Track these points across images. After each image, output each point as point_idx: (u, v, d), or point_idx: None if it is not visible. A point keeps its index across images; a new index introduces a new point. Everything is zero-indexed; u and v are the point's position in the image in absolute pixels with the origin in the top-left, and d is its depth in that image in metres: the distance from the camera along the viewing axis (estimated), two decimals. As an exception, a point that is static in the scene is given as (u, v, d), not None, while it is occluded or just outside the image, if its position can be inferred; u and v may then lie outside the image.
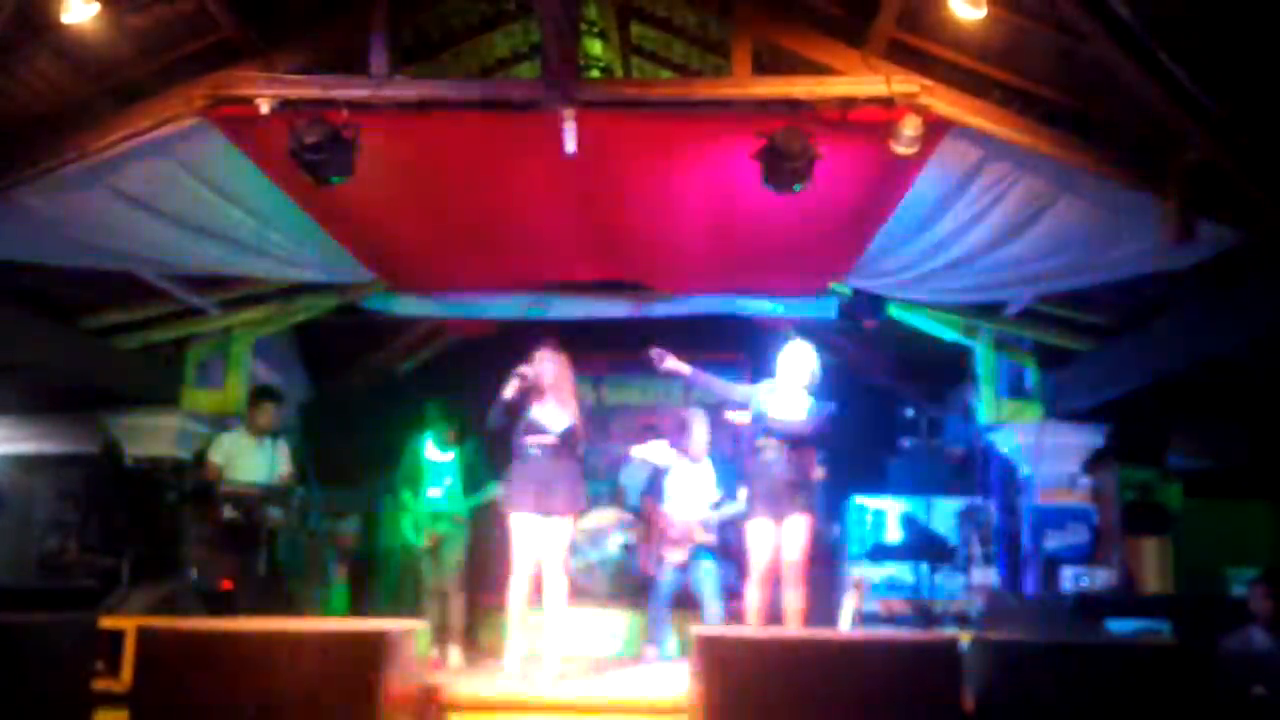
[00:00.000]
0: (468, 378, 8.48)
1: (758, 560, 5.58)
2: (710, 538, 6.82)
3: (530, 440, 5.55)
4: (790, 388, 5.68)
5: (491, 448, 6.65)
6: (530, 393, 5.57)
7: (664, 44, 6.56)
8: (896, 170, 5.25)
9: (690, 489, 6.91)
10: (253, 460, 6.59)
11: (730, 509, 6.69)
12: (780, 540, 5.54)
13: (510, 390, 5.51)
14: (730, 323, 8.17)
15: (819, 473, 5.77)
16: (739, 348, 8.70)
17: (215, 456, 6.67)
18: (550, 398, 5.59)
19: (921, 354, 8.54)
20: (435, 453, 6.93)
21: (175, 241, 5.90)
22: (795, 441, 5.60)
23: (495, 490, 6.47)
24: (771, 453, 5.60)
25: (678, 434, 7.15)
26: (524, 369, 5.56)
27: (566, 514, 5.57)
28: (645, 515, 7.32)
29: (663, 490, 7.00)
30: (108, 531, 7.48)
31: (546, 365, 5.61)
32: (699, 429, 6.95)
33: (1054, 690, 3.68)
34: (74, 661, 4.02)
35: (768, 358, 6.03)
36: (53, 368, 7.10)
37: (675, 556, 6.82)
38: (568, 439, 5.57)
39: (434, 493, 6.86)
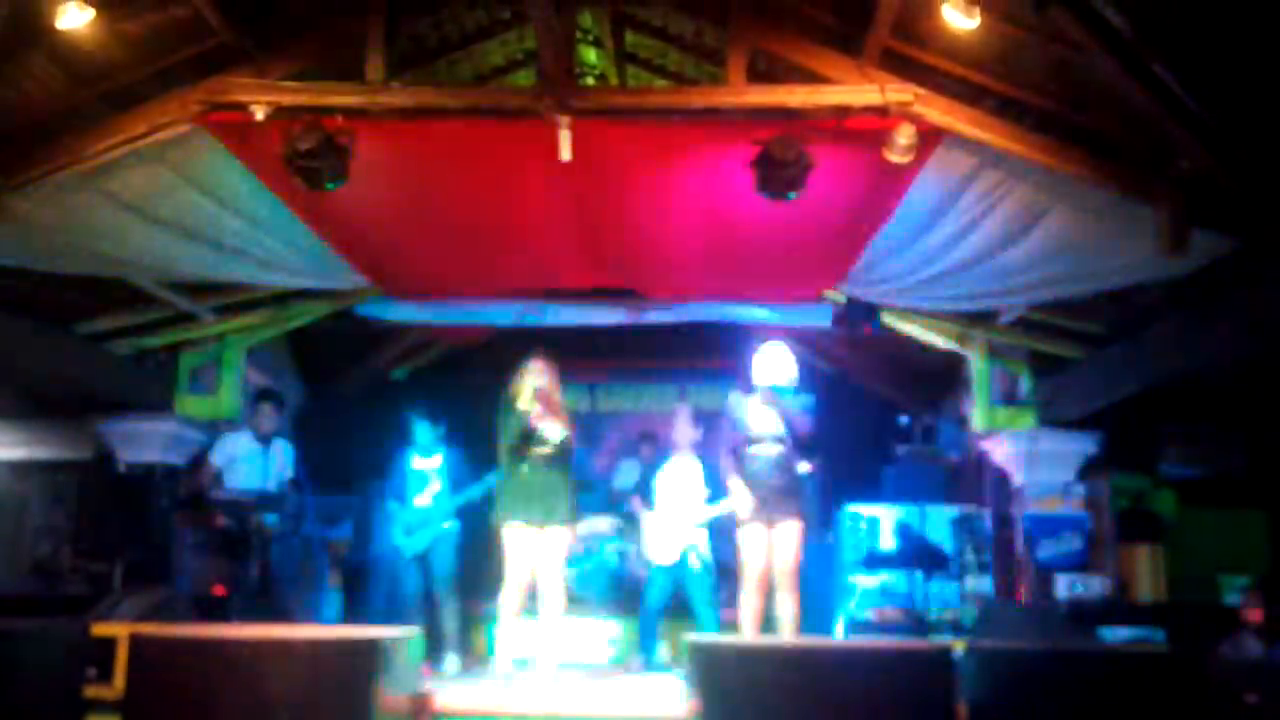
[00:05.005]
0: (462, 384, 8.50)
1: (750, 567, 5.58)
2: (701, 538, 6.80)
3: (528, 451, 5.61)
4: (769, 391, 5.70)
5: (475, 451, 6.68)
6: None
7: (659, 52, 6.56)
8: (891, 178, 5.25)
9: (680, 487, 6.89)
10: (252, 464, 6.59)
11: (722, 506, 6.67)
12: (772, 546, 5.55)
13: (536, 415, 5.57)
14: (724, 330, 8.18)
15: (804, 466, 5.77)
16: (732, 355, 8.71)
17: (214, 459, 6.67)
18: (545, 409, 5.63)
19: (915, 362, 8.56)
20: (420, 461, 6.94)
21: (169, 247, 5.90)
22: (784, 446, 5.63)
23: (481, 490, 6.50)
24: (761, 459, 5.62)
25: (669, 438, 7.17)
26: (539, 386, 5.61)
27: (562, 525, 5.59)
28: (632, 516, 7.32)
29: (651, 491, 6.99)
30: (100, 537, 7.46)
31: (544, 377, 5.67)
32: (682, 423, 6.97)
33: (1048, 699, 3.68)
34: (66, 668, 4.01)
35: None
36: (46, 373, 7.08)
37: (664, 557, 6.81)
38: (564, 449, 5.62)
39: (420, 501, 6.85)
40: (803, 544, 5.63)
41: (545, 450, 5.61)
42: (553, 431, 5.62)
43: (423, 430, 6.93)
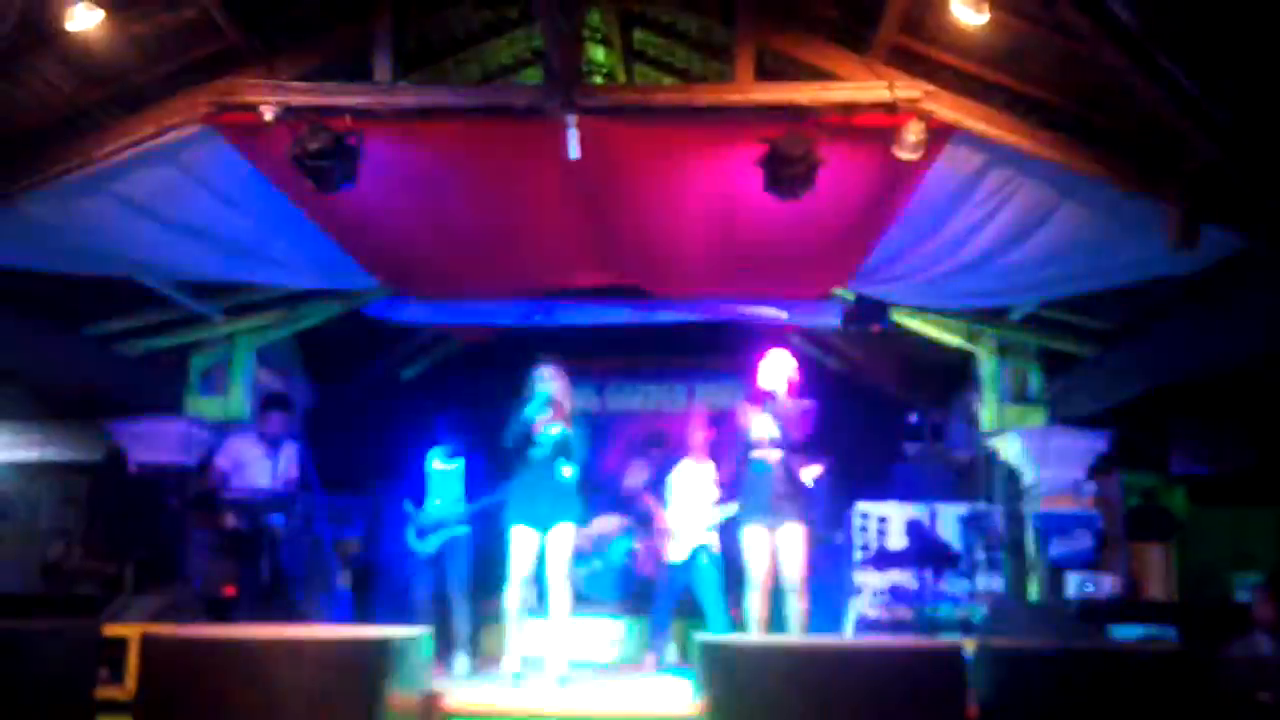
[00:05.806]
0: (471, 383, 8.51)
1: (756, 568, 5.60)
2: (713, 538, 6.80)
3: (529, 453, 5.64)
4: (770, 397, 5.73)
5: (494, 458, 6.67)
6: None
7: (666, 50, 6.56)
8: (900, 175, 5.24)
9: (692, 488, 6.89)
10: (259, 466, 6.59)
11: (731, 509, 6.68)
12: (777, 548, 5.57)
13: (545, 419, 5.58)
14: (733, 329, 8.17)
15: (813, 472, 5.78)
16: (742, 354, 8.69)
17: (221, 461, 6.67)
18: (554, 416, 5.67)
19: (925, 359, 8.54)
20: (440, 463, 6.93)
21: (179, 248, 5.91)
22: (789, 450, 5.65)
23: (496, 499, 6.50)
24: (763, 464, 5.64)
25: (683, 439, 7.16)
26: (554, 396, 5.63)
27: (566, 524, 5.61)
28: (646, 514, 7.32)
29: (663, 490, 7.00)
30: (111, 538, 7.48)
31: (556, 383, 5.70)
32: (696, 424, 6.98)
33: (1059, 697, 3.66)
34: (77, 669, 4.02)
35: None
36: (56, 374, 7.11)
37: (675, 556, 6.81)
38: (565, 450, 5.65)
39: (436, 504, 6.84)
40: (809, 547, 5.64)
41: (546, 452, 5.66)
42: (553, 433, 5.66)
43: (447, 434, 6.92)
